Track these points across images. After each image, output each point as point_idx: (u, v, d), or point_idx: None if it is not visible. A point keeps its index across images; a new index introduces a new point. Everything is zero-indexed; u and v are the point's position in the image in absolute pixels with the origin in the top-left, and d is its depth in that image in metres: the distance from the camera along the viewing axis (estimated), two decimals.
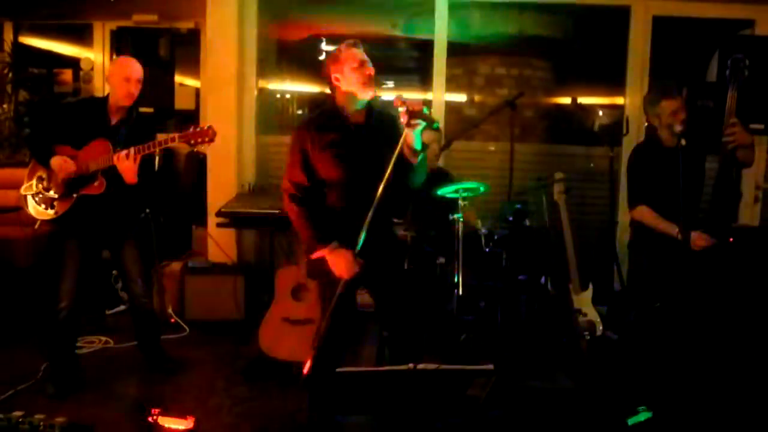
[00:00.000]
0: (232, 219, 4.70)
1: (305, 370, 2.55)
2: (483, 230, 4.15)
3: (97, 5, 5.85)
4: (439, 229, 4.16)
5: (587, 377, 3.94)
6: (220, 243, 5.15)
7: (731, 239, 3.58)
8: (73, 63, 6.50)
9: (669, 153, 3.50)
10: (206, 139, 3.43)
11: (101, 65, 6.24)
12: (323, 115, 2.90)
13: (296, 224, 2.86)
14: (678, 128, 3.38)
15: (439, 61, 5.42)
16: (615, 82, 5.69)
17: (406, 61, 7.32)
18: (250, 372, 3.92)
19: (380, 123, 2.89)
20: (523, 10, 6.17)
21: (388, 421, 2.81)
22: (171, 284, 4.93)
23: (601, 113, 8.09)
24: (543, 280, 4.41)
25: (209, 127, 3.44)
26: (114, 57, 5.77)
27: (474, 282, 4.13)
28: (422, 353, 2.89)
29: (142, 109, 3.93)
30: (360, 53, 2.82)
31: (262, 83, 5.85)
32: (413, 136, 2.63)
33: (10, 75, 6.24)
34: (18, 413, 2.55)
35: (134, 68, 3.59)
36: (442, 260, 4.07)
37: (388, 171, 2.54)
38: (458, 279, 3.80)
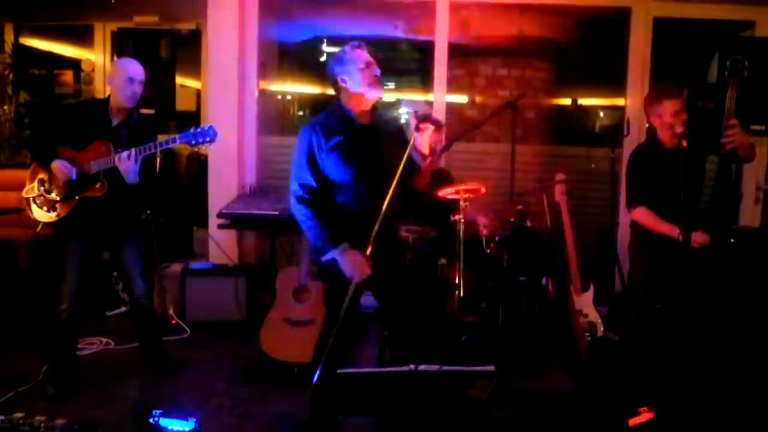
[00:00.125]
0: (233, 220, 4.70)
1: (315, 379, 2.53)
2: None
3: (98, 6, 5.85)
4: (440, 229, 4.16)
5: (588, 378, 3.94)
6: (221, 244, 5.14)
7: (732, 240, 3.58)
8: (74, 64, 6.51)
9: (669, 154, 3.50)
10: (207, 140, 3.43)
11: (102, 66, 6.25)
12: (329, 116, 2.90)
13: (305, 226, 2.84)
14: (679, 129, 3.37)
15: (440, 63, 5.42)
16: (616, 84, 5.70)
17: (407, 62, 7.34)
18: (251, 373, 3.92)
19: (385, 124, 2.91)
20: (524, 12, 6.17)
21: (390, 422, 2.81)
22: (172, 285, 4.93)
23: (601, 114, 8.12)
24: (544, 281, 4.41)
25: (210, 127, 3.44)
26: (115, 58, 5.77)
27: (475, 283, 4.12)
28: (423, 354, 2.89)
29: (143, 111, 3.94)
30: (366, 54, 2.83)
31: (263, 84, 5.86)
32: (422, 140, 2.66)
33: (11, 76, 6.25)
34: (19, 415, 2.55)
35: (137, 69, 3.60)
36: (443, 261, 4.07)
37: (397, 175, 2.55)
38: (459, 280, 3.80)
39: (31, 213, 3.64)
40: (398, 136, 2.95)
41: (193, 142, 3.42)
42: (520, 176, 4.71)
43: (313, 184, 2.82)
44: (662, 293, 3.53)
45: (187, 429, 2.74)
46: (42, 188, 3.61)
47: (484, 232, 4.11)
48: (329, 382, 2.51)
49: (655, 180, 3.57)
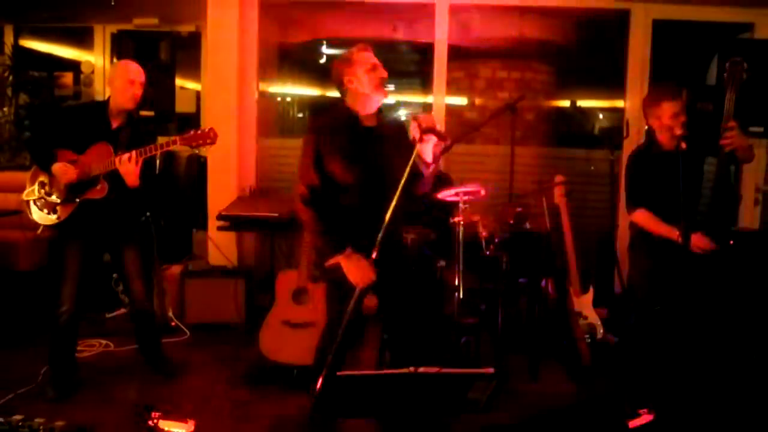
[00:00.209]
0: (232, 222, 4.71)
1: (318, 386, 2.51)
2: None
3: (98, 8, 5.86)
4: (439, 232, 4.16)
5: (588, 380, 3.94)
6: (220, 246, 5.15)
7: (731, 242, 3.58)
8: (74, 66, 6.51)
9: (667, 156, 3.50)
10: (207, 141, 3.44)
11: (102, 68, 6.25)
12: (336, 117, 2.90)
13: (310, 229, 2.84)
14: (678, 131, 3.37)
15: (440, 65, 5.43)
16: (615, 86, 5.71)
17: (407, 64, 7.34)
18: (251, 375, 3.92)
19: (389, 125, 2.92)
20: (523, 14, 6.17)
21: (389, 424, 2.81)
22: (171, 287, 4.93)
23: (601, 116, 8.13)
24: (544, 283, 4.41)
25: (210, 129, 3.45)
26: (114, 60, 5.78)
27: (475, 285, 4.12)
28: (423, 356, 2.89)
29: (143, 113, 3.94)
30: (373, 56, 2.85)
31: (263, 86, 5.86)
32: (425, 150, 2.66)
33: (11, 78, 6.25)
34: (18, 417, 2.56)
35: (138, 71, 3.61)
36: (442, 263, 4.07)
37: (403, 181, 2.56)
38: (459, 282, 3.80)
39: (31, 215, 3.64)
40: (402, 137, 2.95)
41: (194, 143, 3.43)
42: (519, 178, 4.71)
43: (320, 185, 2.81)
44: (662, 295, 3.53)
45: (186, 431, 2.74)
46: (42, 191, 3.61)
47: (483, 233, 4.11)
48: (330, 384, 2.51)
49: (653, 182, 3.57)
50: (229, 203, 4.84)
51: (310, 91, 8.34)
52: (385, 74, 2.83)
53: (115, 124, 3.61)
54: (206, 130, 3.45)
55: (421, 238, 4.04)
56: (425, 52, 5.92)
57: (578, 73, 7.14)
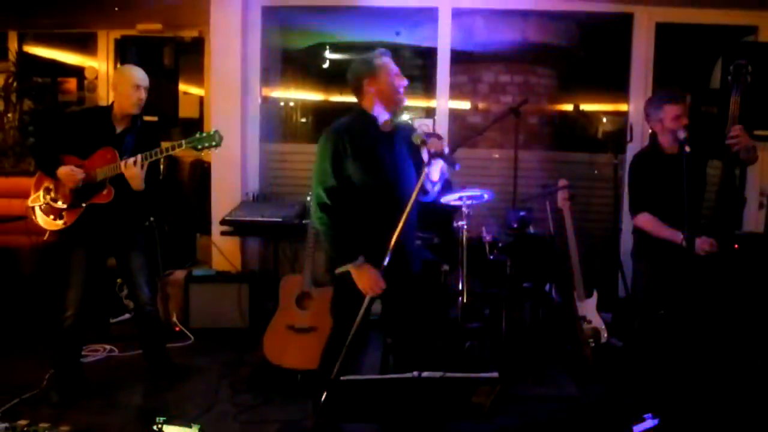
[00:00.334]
0: (236, 227, 4.71)
1: (325, 387, 2.51)
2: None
3: (102, 14, 5.88)
4: (442, 236, 4.16)
5: (592, 384, 3.93)
6: (224, 251, 5.15)
7: (736, 246, 3.57)
8: (78, 72, 6.55)
9: (670, 159, 3.50)
10: (213, 144, 3.45)
11: (105, 74, 6.29)
12: (354, 121, 2.91)
13: (325, 235, 2.83)
14: (682, 134, 3.37)
15: (443, 69, 5.43)
16: (618, 89, 5.70)
17: (410, 68, 7.34)
18: (255, 380, 3.92)
19: (403, 130, 2.93)
20: (526, 18, 6.18)
21: (393, 429, 2.80)
22: (175, 292, 4.94)
23: (604, 120, 8.13)
24: (548, 287, 4.41)
25: (216, 132, 3.46)
26: (118, 66, 5.80)
27: (478, 289, 4.12)
28: (427, 361, 2.89)
29: (147, 118, 3.95)
30: (393, 63, 2.89)
31: (267, 91, 5.87)
32: (432, 172, 2.75)
33: (15, 84, 6.28)
34: (23, 422, 2.56)
35: (142, 76, 3.61)
36: (446, 267, 4.07)
37: (413, 196, 2.59)
38: (463, 286, 3.79)
39: (37, 221, 3.63)
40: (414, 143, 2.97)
41: (199, 146, 3.44)
42: (523, 182, 4.71)
43: (339, 188, 2.80)
44: (665, 299, 3.53)
45: None
46: (48, 196, 3.61)
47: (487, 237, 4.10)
48: (334, 389, 2.51)
49: (657, 185, 3.57)
50: (233, 208, 4.85)
51: (313, 95, 8.36)
52: (405, 81, 2.88)
53: (119, 129, 3.61)
54: (212, 132, 3.47)
55: (423, 242, 4.04)
56: (428, 56, 5.92)
57: (581, 77, 7.14)
